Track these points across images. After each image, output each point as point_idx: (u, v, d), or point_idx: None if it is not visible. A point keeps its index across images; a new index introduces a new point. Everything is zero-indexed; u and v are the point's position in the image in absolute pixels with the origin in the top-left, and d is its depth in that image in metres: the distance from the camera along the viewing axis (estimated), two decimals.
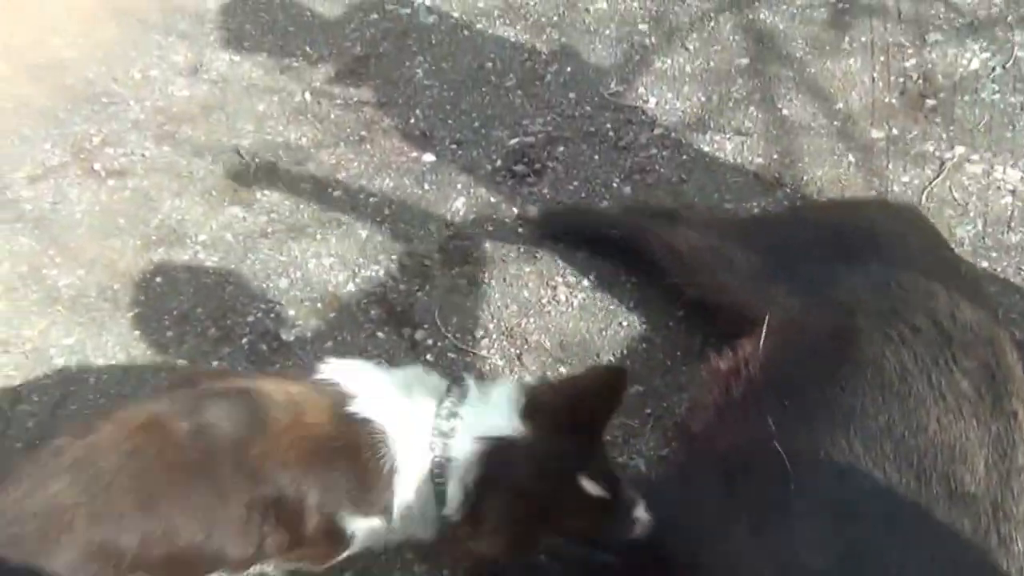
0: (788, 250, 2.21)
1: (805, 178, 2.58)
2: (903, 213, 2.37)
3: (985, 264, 2.40)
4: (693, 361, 2.18)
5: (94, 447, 1.48)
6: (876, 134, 2.72)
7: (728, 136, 2.69)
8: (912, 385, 1.85)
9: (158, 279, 2.41)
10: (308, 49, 2.95)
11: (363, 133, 2.72)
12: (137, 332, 2.30)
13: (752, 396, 1.98)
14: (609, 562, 1.89)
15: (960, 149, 2.71)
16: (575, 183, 2.56)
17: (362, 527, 1.61)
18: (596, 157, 2.62)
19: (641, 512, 1.68)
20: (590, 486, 1.56)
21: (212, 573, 1.59)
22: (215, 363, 2.23)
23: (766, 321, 2.09)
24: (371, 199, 2.57)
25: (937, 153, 2.70)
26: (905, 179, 2.59)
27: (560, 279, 2.35)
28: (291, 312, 2.32)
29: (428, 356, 2.20)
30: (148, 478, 1.48)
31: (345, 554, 1.68)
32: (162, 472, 1.48)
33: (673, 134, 2.68)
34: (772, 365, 2.01)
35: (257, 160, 2.66)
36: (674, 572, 1.83)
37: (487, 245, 2.44)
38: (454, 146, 2.65)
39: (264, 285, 2.38)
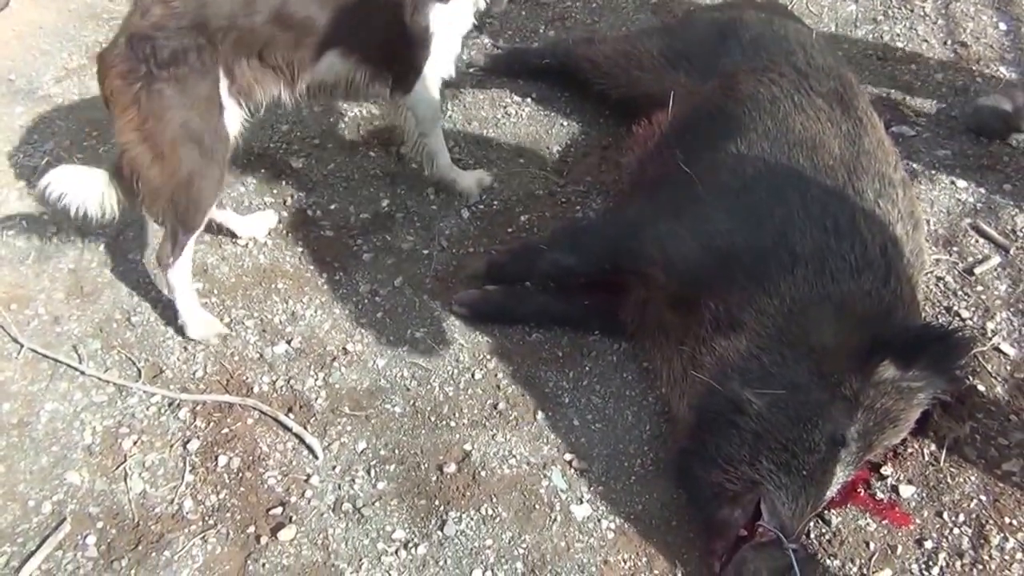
0: (682, 44, 2.81)
1: (691, 10, 3.20)
2: (766, 3, 3.02)
3: (840, 53, 3.04)
4: (623, 140, 2.75)
5: None
6: None
7: None
8: (780, 105, 2.44)
9: None
10: None
11: None
12: None
13: (664, 141, 2.56)
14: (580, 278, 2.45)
15: None
16: (509, 32, 3.15)
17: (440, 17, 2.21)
18: (523, 12, 3.21)
19: None
20: None
21: None
22: None
23: (672, 96, 2.69)
24: None
25: None
26: None
27: (509, 100, 2.92)
28: None
29: (412, 165, 2.71)
30: None
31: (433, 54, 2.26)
32: None
33: None
34: (677, 120, 2.59)
35: None
36: (628, 278, 2.39)
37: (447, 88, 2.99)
38: None
39: None
